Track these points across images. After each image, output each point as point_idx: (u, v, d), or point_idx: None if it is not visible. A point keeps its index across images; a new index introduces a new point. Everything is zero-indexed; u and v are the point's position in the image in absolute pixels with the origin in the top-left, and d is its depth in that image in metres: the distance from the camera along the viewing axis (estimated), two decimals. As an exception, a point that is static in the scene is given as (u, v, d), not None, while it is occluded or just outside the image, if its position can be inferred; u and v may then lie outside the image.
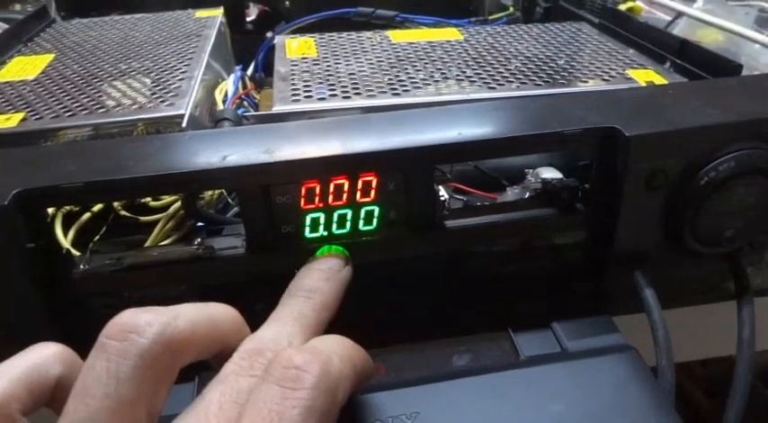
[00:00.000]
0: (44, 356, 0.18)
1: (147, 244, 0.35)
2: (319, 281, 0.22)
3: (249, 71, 0.57)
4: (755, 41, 0.54)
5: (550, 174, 0.37)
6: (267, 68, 0.58)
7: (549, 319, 0.34)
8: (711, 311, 0.40)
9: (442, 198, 0.34)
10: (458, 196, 0.38)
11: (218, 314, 0.20)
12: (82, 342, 0.31)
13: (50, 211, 0.34)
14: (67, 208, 0.36)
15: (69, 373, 0.18)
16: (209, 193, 0.37)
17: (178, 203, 0.35)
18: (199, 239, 0.32)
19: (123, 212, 0.36)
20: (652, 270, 0.34)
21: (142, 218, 0.36)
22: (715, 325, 0.42)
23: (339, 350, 0.19)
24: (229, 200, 0.38)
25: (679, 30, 0.61)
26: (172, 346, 0.17)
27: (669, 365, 0.31)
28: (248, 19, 0.73)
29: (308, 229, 0.32)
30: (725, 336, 0.40)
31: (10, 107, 0.40)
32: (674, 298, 0.36)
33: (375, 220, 0.33)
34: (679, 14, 0.64)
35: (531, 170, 0.38)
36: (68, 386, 0.17)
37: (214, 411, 0.17)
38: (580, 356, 0.32)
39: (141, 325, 0.17)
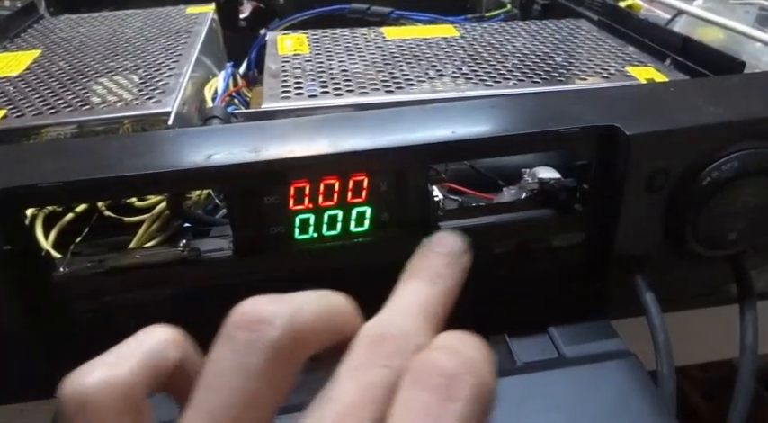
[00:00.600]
0: (163, 341, 0.18)
1: (131, 245, 0.33)
2: (441, 266, 0.20)
3: (242, 69, 0.56)
4: (757, 40, 0.53)
5: (548, 174, 0.36)
6: (260, 66, 0.57)
7: (546, 323, 0.33)
8: (712, 314, 0.40)
9: (436, 198, 0.33)
10: (453, 197, 0.37)
11: (336, 302, 0.19)
12: (63, 346, 0.30)
13: (31, 211, 0.33)
14: (49, 208, 0.34)
15: (186, 359, 0.18)
16: (197, 192, 0.36)
17: (164, 204, 0.34)
18: (184, 241, 0.31)
19: (107, 213, 0.35)
20: (652, 272, 0.33)
21: (127, 219, 0.35)
22: (715, 328, 0.41)
23: (482, 354, 0.17)
24: (218, 201, 0.37)
25: (678, 28, 0.60)
26: (299, 338, 0.17)
27: (670, 373, 0.30)
28: (242, 16, 0.72)
29: (297, 231, 0.31)
30: (726, 339, 0.39)
31: (-8, 104, 0.39)
32: (675, 301, 0.35)
33: (367, 222, 0.32)
34: (679, 12, 0.63)
35: (528, 170, 0.37)
36: (184, 371, 0.17)
37: (350, 406, 0.16)
38: (578, 363, 0.31)
39: (269, 316, 0.16)
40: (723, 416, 0.31)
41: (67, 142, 0.35)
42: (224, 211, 0.37)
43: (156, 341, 0.17)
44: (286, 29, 0.59)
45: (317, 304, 0.18)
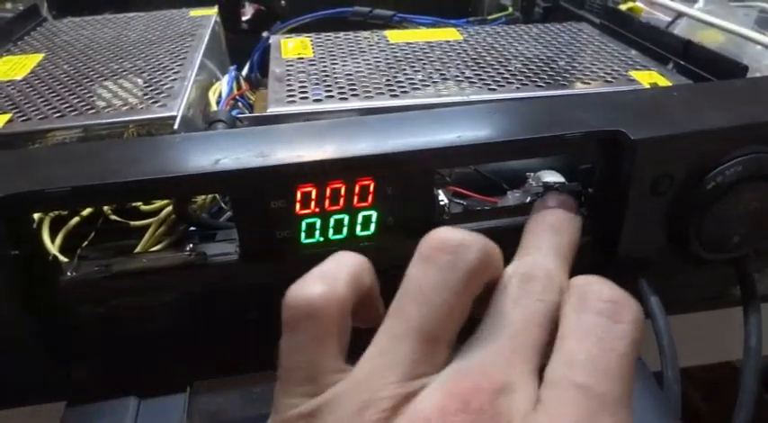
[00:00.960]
0: (361, 264, 0.19)
1: (137, 249, 0.34)
2: (561, 220, 0.23)
3: (244, 71, 0.56)
4: (758, 43, 0.53)
5: (552, 178, 0.36)
6: (263, 69, 0.57)
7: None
8: (712, 316, 0.40)
9: (441, 202, 0.33)
10: (457, 200, 0.37)
11: (494, 244, 0.20)
12: (70, 350, 0.30)
13: (37, 215, 0.33)
14: (55, 212, 0.35)
15: (375, 285, 0.20)
16: (202, 197, 0.36)
17: (170, 208, 0.34)
18: (191, 245, 0.32)
19: (113, 217, 0.35)
20: (655, 276, 0.33)
21: (132, 222, 0.35)
22: (715, 330, 0.42)
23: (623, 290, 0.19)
24: (222, 204, 0.37)
25: (679, 31, 0.60)
26: (487, 264, 0.18)
27: (675, 376, 0.30)
28: (243, 18, 0.72)
29: (303, 235, 0.31)
30: (726, 341, 0.39)
31: (-3, 108, 0.39)
32: (678, 304, 0.35)
33: (373, 226, 0.32)
34: (679, 15, 0.63)
35: (532, 174, 0.37)
36: (370, 296, 0.20)
37: (521, 328, 0.18)
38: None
39: (468, 241, 0.18)
40: (724, 417, 0.31)
41: (74, 147, 0.35)
42: (228, 214, 0.37)
43: (356, 266, 0.19)
44: (288, 32, 0.59)
45: (487, 239, 0.19)
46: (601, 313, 0.18)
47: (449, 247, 0.18)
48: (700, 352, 0.47)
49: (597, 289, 0.18)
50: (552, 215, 0.23)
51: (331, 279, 0.18)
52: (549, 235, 0.22)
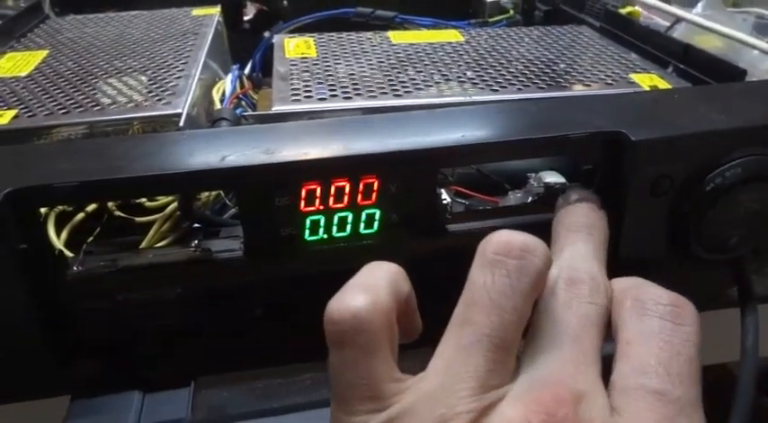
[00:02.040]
0: (398, 273, 0.19)
1: (142, 245, 0.34)
2: (591, 218, 0.23)
3: (246, 71, 0.56)
4: (755, 48, 0.54)
5: (553, 178, 0.36)
6: (264, 68, 0.57)
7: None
8: (713, 318, 0.40)
9: (444, 201, 0.34)
10: (459, 200, 0.37)
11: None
12: (75, 344, 0.30)
13: (43, 210, 0.33)
14: (60, 208, 0.35)
15: (412, 292, 0.20)
16: (207, 193, 0.37)
17: (174, 204, 0.35)
18: (196, 241, 0.32)
19: (118, 213, 0.35)
20: (655, 276, 0.34)
21: (137, 219, 0.35)
22: (716, 331, 0.42)
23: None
24: (227, 201, 0.37)
25: (677, 35, 0.61)
26: (548, 268, 0.19)
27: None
28: (245, 18, 0.72)
29: (307, 232, 0.31)
30: (720, 343, 0.39)
31: (2, 104, 0.39)
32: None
33: (376, 224, 0.32)
34: (678, 20, 0.63)
35: (533, 174, 0.38)
36: (409, 304, 0.20)
37: (579, 329, 0.18)
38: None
39: (533, 246, 0.18)
40: (719, 420, 0.32)
41: (81, 142, 0.36)
42: (232, 211, 0.38)
43: (394, 274, 0.19)
44: (290, 32, 0.59)
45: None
46: (663, 317, 0.18)
47: (514, 250, 0.18)
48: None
49: (653, 292, 0.19)
50: (581, 213, 0.23)
51: (372, 288, 0.18)
52: (583, 234, 0.22)
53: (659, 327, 0.17)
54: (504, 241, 0.18)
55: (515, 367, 0.18)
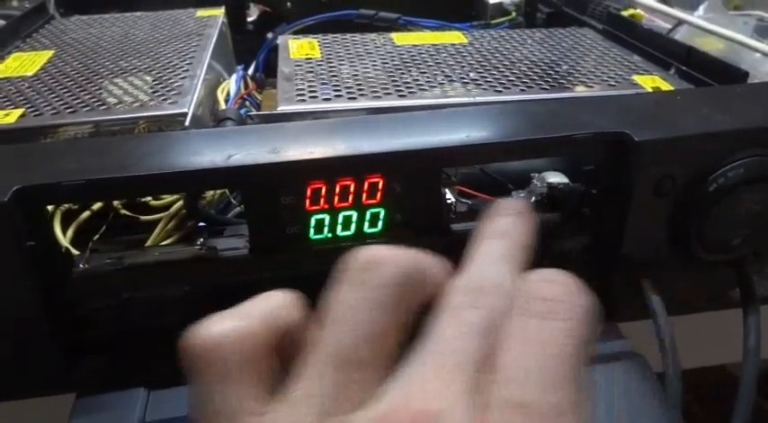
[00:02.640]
0: (282, 300, 0.18)
1: (147, 243, 0.34)
2: (509, 223, 0.21)
3: (249, 71, 0.57)
4: (757, 50, 0.54)
5: (556, 178, 0.37)
6: (267, 69, 0.58)
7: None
8: (714, 319, 0.40)
9: (448, 201, 0.34)
10: (463, 200, 0.38)
11: (432, 257, 0.19)
12: (81, 342, 0.31)
13: (49, 209, 0.34)
14: (66, 206, 0.35)
15: (302, 320, 0.18)
16: (211, 192, 0.37)
17: (180, 203, 0.35)
18: (201, 239, 0.32)
19: (123, 211, 0.36)
20: (657, 276, 0.34)
21: (143, 217, 0.35)
22: (709, 333, 0.42)
23: (575, 280, 0.18)
24: (232, 200, 0.37)
25: (679, 38, 0.61)
26: (412, 279, 0.17)
27: (677, 373, 0.30)
28: (248, 19, 0.72)
29: (312, 231, 0.32)
30: (720, 344, 0.39)
31: (8, 103, 0.40)
32: (678, 305, 0.35)
33: (380, 223, 0.32)
34: (679, 22, 0.64)
35: (536, 174, 0.38)
36: (298, 333, 0.18)
37: (449, 340, 0.16)
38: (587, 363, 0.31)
39: (390, 257, 0.17)
40: (718, 421, 0.32)
41: (88, 141, 0.36)
42: (235, 210, 0.38)
43: (276, 301, 0.18)
44: (293, 33, 0.60)
45: (422, 254, 0.18)
46: (536, 314, 0.16)
47: (367, 264, 0.17)
48: (695, 355, 0.47)
49: (537, 288, 0.17)
50: (497, 220, 0.21)
51: (239, 315, 0.17)
52: (495, 240, 0.20)
53: (534, 327, 0.16)
54: (358, 256, 0.18)
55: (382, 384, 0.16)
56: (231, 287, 0.32)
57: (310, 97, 0.39)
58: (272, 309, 0.17)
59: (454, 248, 0.33)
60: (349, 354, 0.16)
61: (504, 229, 0.21)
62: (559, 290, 0.17)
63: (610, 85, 0.42)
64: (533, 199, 0.37)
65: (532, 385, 0.15)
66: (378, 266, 0.17)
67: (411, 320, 0.17)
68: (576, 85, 0.43)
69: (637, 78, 0.43)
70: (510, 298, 0.17)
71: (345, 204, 0.31)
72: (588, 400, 0.16)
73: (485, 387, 0.15)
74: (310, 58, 0.46)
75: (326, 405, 0.15)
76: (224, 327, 0.16)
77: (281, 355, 0.17)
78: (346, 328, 0.16)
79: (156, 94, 0.40)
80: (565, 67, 0.46)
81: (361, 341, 0.16)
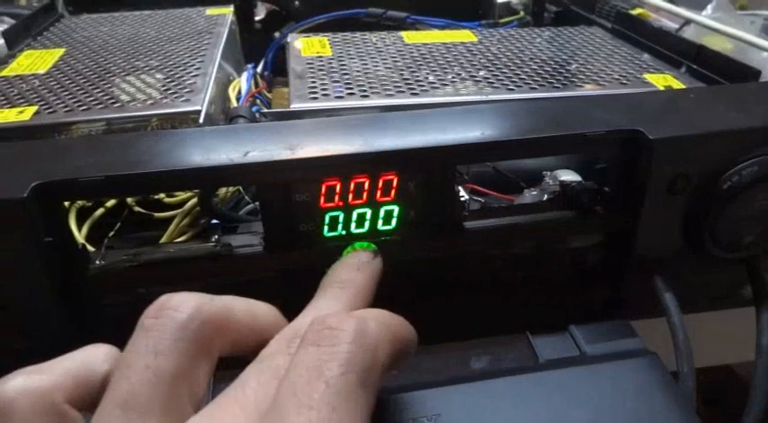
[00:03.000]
0: (93, 354, 0.19)
1: (162, 240, 0.34)
2: (351, 272, 0.22)
3: (258, 70, 0.57)
4: (764, 49, 0.54)
5: (569, 176, 0.37)
6: (276, 67, 0.58)
7: (567, 322, 0.34)
8: (727, 317, 0.40)
9: (462, 199, 0.34)
10: (475, 198, 0.38)
11: (257, 306, 0.20)
12: (97, 338, 0.31)
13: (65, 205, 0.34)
14: (80, 203, 0.35)
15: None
16: (224, 190, 0.37)
17: (194, 200, 0.35)
18: (216, 236, 0.32)
19: (137, 208, 0.36)
20: (669, 274, 0.34)
21: (157, 214, 0.35)
22: (727, 331, 0.42)
23: (374, 315, 0.18)
24: (246, 197, 0.37)
25: (687, 37, 0.61)
26: (208, 324, 0.18)
27: (690, 371, 0.30)
28: (256, 18, 0.72)
29: (326, 228, 0.32)
30: (738, 342, 0.39)
31: (22, 100, 0.40)
32: (691, 303, 0.35)
33: (394, 220, 0.32)
34: (687, 22, 0.64)
35: (548, 172, 0.38)
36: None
37: (252, 387, 0.17)
38: (600, 360, 0.31)
39: (177, 302, 0.18)
40: (724, 420, 0.32)
41: (105, 137, 0.36)
42: (248, 207, 0.38)
43: (87, 355, 0.18)
44: (301, 32, 0.60)
45: (231, 299, 0.19)
46: (314, 342, 0.17)
47: (158, 311, 0.18)
48: (703, 354, 0.47)
49: (317, 320, 0.17)
50: (339, 271, 0.23)
51: (38, 371, 0.17)
52: (331, 293, 0.22)
53: (306, 354, 0.16)
54: (152, 305, 0.18)
55: None
56: (246, 284, 0.32)
57: (323, 95, 0.40)
58: (79, 362, 0.18)
59: (466, 246, 0.33)
60: (129, 399, 0.16)
61: (343, 279, 0.22)
62: (341, 319, 0.17)
63: (621, 83, 0.43)
64: (545, 197, 0.37)
65: (294, 409, 0.15)
66: (169, 312, 0.17)
67: (213, 367, 0.18)
68: (587, 83, 0.43)
69: (648, 77, 0.43)
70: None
71: (360, 202, 0.31)
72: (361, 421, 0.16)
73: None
74: (321, 57, 0.46)
75: None
76: (19, 383, 0.17)
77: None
78: (130, 374, 0.16)
79: (169, 92, 0.40)
80: (575, 65, 0.46)
81: (142, 387, 0.16)
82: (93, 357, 0.18)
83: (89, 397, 0.17)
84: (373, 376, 0.17)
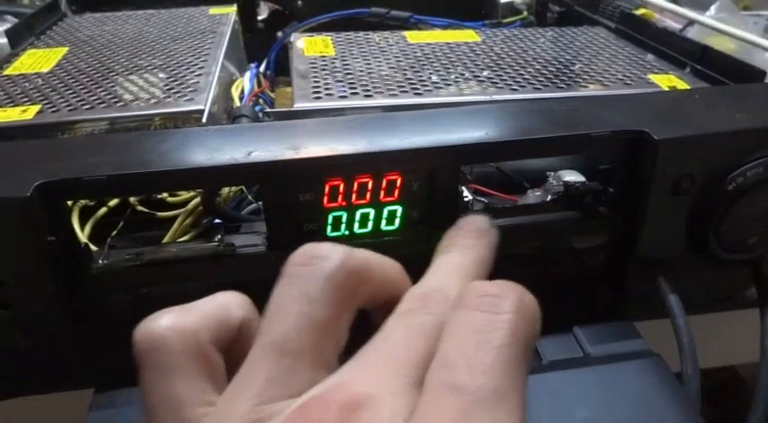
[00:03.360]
0: (229, 300, 0.19)
1: (165, 240, 0.34)
2: (471, 238, 0.22)
3: (261, 69, 0.57)
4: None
5: (573, 177, 0.36)
6: (278, 67, 0.58)
7: (571, 323, 0.34)
8: (730, 318, 0.40)
9: (465, 199, 0.34)
10: (478, 198, 0.38)
11: (386, 261, 0.20)
12: (100, 337, 0.31)
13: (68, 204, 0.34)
14: (83, 202, 0.35)
15: (251, 319, 0.19)
16: (226, 189, 0.37)
17: (197, 199, 0.35)
18: (219, 236, 0.32)
19: (140, 208, 0.36)
20: (673, 275, 0.34)
21: (160, 214, 0.35)
22: (730, 332, 0.42)
23: (518, 285, 0.18)
24: (249, 197, 0.37)
25: (690, 37, 0.61)
26: (353, 274, 0.18)
27: (695, 372, 0.30)
28: (259, 18, 0.72)
29: (330, 228, 0.32)
30: (741, 344, 0.39)
31: (26, 99, 0.40)
32: (695, 304, 0.35)
33: (398, 220, 0.32)
34: (690, 22, 0.63)
35: (552, 173, 0.38)
36: (248, 332, 0.18)
37: (398, 341, 0.17)
38: (604, 361, 0.31)
39: (326, 252, 0.18)
40: (727, 420, 0.32)
41: (108, 136, 0.36)
42: (250, 207, 0.38)
43: (224, 299, 0.19)
44: (303, 32, 0.60)
45: (368, 253, 0.19)
46: (477, 308, 0.16)
47: (306, 259, 0.18)
48: (707, 355, 0.47)
49: (477, 285, 0.17)
50: (460, 236, 0.22)
51: (182, 311, 0.18)
52: (454, 256, 0.21)
53: (470, 318, 0.16)
54: (298, 253, 0.18)
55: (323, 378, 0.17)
56: (249, 283, 0.32)
57: (326, 95, 0.39)
58: (221, 305, 0.18)
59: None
60: (285, 343, 0.16)
61: (464, 244, 0.21)
62: (497, 288, 0.17)
63: (625, 83, 0.42)
64: (549, 197, 0.37)
65: (467, 368, 0.15)
66: (317, 261, 0.18)
67: (352, 318, 0.18)
68: (591, 83, 0.42)
69: (652, 77, 0.43)
70: None
71: (363, 201, 0.31)
72: (524, 393, 0.16)
73: (422, 379, 0.16)
74: (324, 56, 0.46)
75: (261, 393, 0.16)
76: (169, 320, 0.17)
77: (232, 355, 0.18)
78: (283, 319, 0.17)
79: (172, 91, 0.40)
80: (579, 65, 0.46)
81: (296, 332, 0.16)
82: (230, 303, 0.19)
83: (227, 341, 0.18)
84: (531, 350, 0.17)
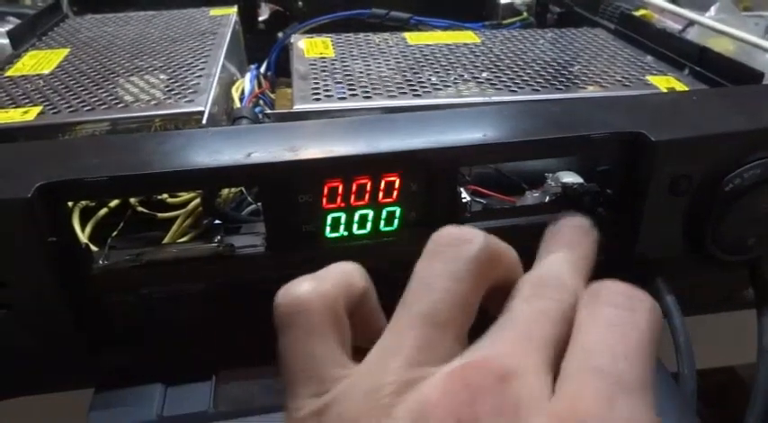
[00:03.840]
0: (352, 270, 0.20)
1: (165, 241, 0.34)
2: (576, 235, 0.23)
3: (261, 70, 0.57)
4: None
5: (571, 178, 0.37)
6: (279, 68, 0.58)
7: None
8: (728, 319, 0.40)
9: (464, 200, 0.34)
10: (477, 199, 0.38)
11: (510, 248, 0.21)
12: (101, 337, 0.31)
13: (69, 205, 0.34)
14: (83, 203, 0.35)
15: (370, 289, 0.20)
16: (226, 190, 0.37)
17: (197, 200, 0.35)
18: (219, 237, 0.32)
19: (140, 209, 0.36)
20: (671, 276, 0.34)
21: (160, 214, 0.35)
22: (728, 333, 0.42)
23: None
24: (249, 198, 0.38)
25: (690, 38, 0.61)
26: (493, 258, 0.19)
27: (691, 373, 0.30)
28: (260, 19, 0.73)
29: (328, 229, 0.32)
30: (739, 344, 0.39)
31: (27, 100, 0.40)
32: (692, 305, 0.35)
33: (396, 221, 0.32)
34: (690, 23, 0.63)
35: (550, 174, 0.38)
36: (369, 300, 0.20)
37: (526, 323, 0.18)
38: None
39: (471, 236, 0.19)
40: (727, 421, 0.32)
41: (110, 138, 0.36)
42: (249, 208, 0.38)
43: (349, 268, 0.20)
44: (304, 33, 0.60)
45: (497, 239, 0.20)
46: (615, 305, 0.17)
47: (452, 240, 0.19)
48: (705, 356, 0.47)
49: (610, 284, 0.18)
50: (564, 232, 0.23)
51: (317, 278, 0.19)
52: (564, 249, 0.22)
53: (609, 313, 0.17)
54: (443, 234, 0.19)
55: (460, 351, 0.18)
56: (248, 284, 0.33)
57: (326, 96, 0.40)
58: (347, 274, 0.19)
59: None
60: (434, 315, 0.17)
61: (570, 240, 0.22)
62: (631, 288, 0.18)
63: (624, 85, 0.43)
64: (547, 198, 0.37)
65: (612, 355, 0.16)
66: (463, 243, 0.19)
67: (479, 302, 0.19)
68: (590, 85, 0.43)
69: (651, 79, 0.43)
70: (576, 298, 0.19)
71: (362, 203, 0.31)
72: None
73: (564, 361, 0.17)
74: (324, 58, 0.46)
75: (412, 358, 0.17)
76: (312, 286, 0.18)
77: (353, 321, 0.19)
78: (433, 293, 0.18)
79: (173, 93, 0.40)
80: (578, 66, 0.46)
81: (445, 305, 0.18)
82: (354, 272, 0.20)
83: (352, 309, 0.19)
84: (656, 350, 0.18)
